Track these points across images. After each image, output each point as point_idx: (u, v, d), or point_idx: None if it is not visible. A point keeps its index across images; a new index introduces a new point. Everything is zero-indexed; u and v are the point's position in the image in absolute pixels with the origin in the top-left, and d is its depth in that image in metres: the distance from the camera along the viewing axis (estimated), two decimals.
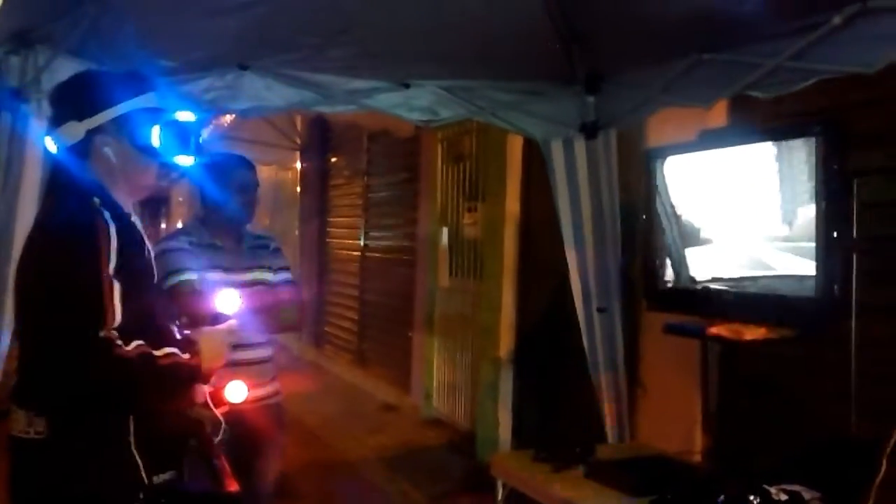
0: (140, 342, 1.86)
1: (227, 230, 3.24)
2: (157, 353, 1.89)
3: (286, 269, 3.37)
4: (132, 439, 1.93)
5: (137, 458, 1.93)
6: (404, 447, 6.44)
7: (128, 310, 1.86)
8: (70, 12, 2.80)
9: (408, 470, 5.82)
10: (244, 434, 2.90)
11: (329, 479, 5.64)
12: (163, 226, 18.52)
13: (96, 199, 1.95)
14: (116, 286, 1.85)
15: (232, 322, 2.18)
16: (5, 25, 2.79)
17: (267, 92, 3.43)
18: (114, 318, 1.83)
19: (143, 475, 1.94)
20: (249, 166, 3.31)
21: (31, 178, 2.93)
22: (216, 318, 2.17)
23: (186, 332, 2.10)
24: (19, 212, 2.91)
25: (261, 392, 3.13)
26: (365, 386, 8.46)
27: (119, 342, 1.82)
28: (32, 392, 1.91)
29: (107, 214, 1.92)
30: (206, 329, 2.12)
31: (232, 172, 3.18)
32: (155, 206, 18.36)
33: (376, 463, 6.06)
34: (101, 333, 1.80)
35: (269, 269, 3.28)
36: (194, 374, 2.01)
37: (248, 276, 3.18)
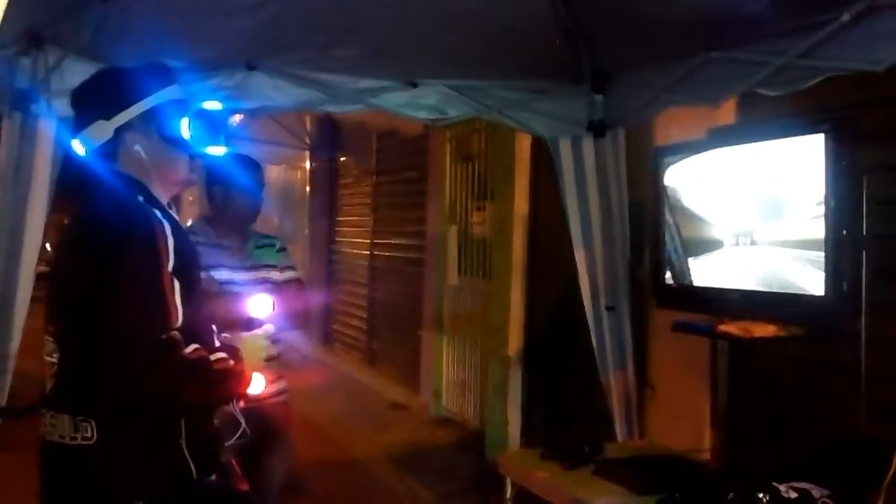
0: (197, 345, 1.85)
1: (233, 230, 3.26)
2: (211, 357, 1.88)
3: (292, 267, 3.39)
4: (183, 441, 1.90)
5: (189, 460, 1.91)
6: (413, 446, 6.44)
7: (185, 308, 1.85)
8: (79, 12, 2.81)
9: (416, 468, 5.82)
10: (252, 432, 2.92)
11: (337, 477, 5.65)
12: None
13: (140, 198, 1.93)
14: (177, 285, 1.84)
15: (268, 326, 2.18)
16: (15, 26, 2.80)
17: (275, 92, 3.44)
18: (177, 319, 1.82)
19: (195, 477, 1.92)
20: (255, 166, 3.33)
21: (41, 179, 2.95)
22: (250, 323, 2.17)
23: (225, 336, 2.08)
24: (29, 211, 2.93)
25: (267, 390, 3.15)
26: (374, 384, 8.47)
27: (182, 344, 1.81)
28: (80, 396, 1.85)
29: (158, 213, 1.90)
30: (245, 335, 2.11)
31: (238, 173, 3.20)
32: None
33: (385, 461, 6.07)
34: (165, 335, 1.79)
35: (275, 267, 3.30)
36: (240, 380, 2.00)
37: (255, 275, 3.20)
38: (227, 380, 1.95)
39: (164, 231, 1.86)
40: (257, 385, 2.30)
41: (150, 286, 1.81)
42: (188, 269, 1.92)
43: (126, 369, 1.76)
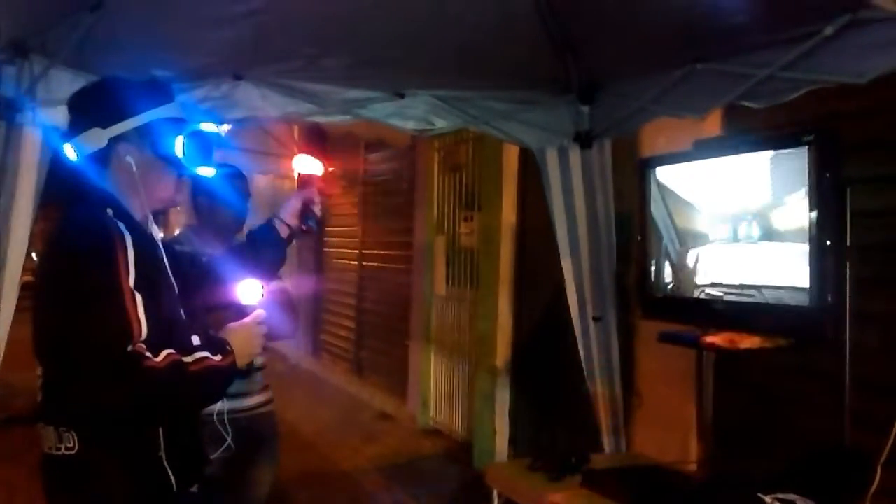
0: (170, 351, 1.82)
1: (218, 239, 3.26)
2: (187, 359, 1.85)
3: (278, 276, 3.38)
4: (163, 454, 1.91)
5: (169, 470, 1.91)
6: (401, 456, 6.43)
7: (152, 320, 1.82)
8: (65, 21, 2.80)
9: (404, 479, 5.81)
10: (237, 443, 2.91)
11: (324, 488, 5.63)
12: (161, 235, 18.50)
13: (109, 210, 1.93)
14: (139, 298, 1.81)
15: (259, 312, 2.10)
16: (0, 34, 2.79)
17: (262, 102, 3.43)
18: (140, 332, 1.79)
19: (175, 488, 1.92)
20: (241, 177, 3.34)
21: (26, 188, 2.92)
22: (241, 311, 2.09)
23: (215, 329, 2.04)
24: (13, 222, 2.90)
25: (253, 401, 3.15)
26: (361, 395, 8.46)
27: (148, 354, 1.78)
28: (60, 409, 1.88)
29: (121, 225, 1.89)
30: (235, 325, 2.04)
31: (223, 184, 3.20)
32: (154, 215, 18.34)
33: (372, 472, 6.05)
34: (129, 348, 1.76)
35: None
36: (228, 376, 1.96)
37: None
38: (210, 379, 1.91)
39: (124, 244, 1.84)
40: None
41: (109, 302, 1.78)
42: (153, 280, 1.91)
43: (93, 386, 1.76)
